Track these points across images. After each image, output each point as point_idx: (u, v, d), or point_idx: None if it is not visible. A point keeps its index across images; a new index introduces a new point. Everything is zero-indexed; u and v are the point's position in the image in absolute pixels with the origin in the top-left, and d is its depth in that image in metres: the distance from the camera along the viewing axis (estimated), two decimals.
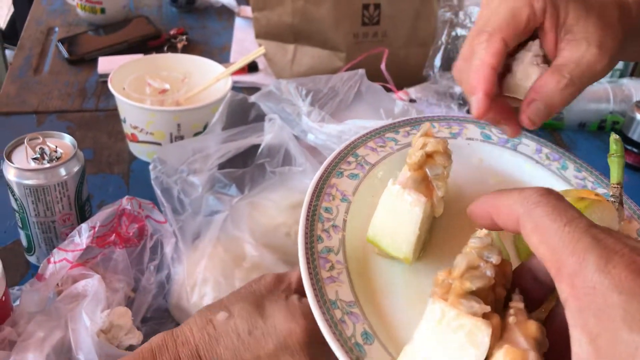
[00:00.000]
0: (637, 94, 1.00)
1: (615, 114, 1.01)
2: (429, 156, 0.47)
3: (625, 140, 0.94)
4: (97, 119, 0.95)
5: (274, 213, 0.69)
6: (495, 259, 0.35)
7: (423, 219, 0.44)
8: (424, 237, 0.47)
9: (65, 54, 1.09)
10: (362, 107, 0.83)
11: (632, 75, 1.09)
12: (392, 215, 0.45)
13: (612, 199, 0.51)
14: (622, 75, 1.07)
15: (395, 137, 0.58)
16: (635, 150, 0.94)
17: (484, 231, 0.37)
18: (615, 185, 0.52)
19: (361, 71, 0.82)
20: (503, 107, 0.49)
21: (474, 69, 0.45)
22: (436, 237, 0.50)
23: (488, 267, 0.34)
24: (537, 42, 0.47)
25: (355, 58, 0.98)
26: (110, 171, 0.84)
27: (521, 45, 0.48)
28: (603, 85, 1.02)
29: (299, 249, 0.45)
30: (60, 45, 1.12)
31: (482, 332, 0.31)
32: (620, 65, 1.05)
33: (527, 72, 0.47)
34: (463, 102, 0.93)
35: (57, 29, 1.20)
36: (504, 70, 0.48)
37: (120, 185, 0.82)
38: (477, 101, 0.45)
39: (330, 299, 0.42)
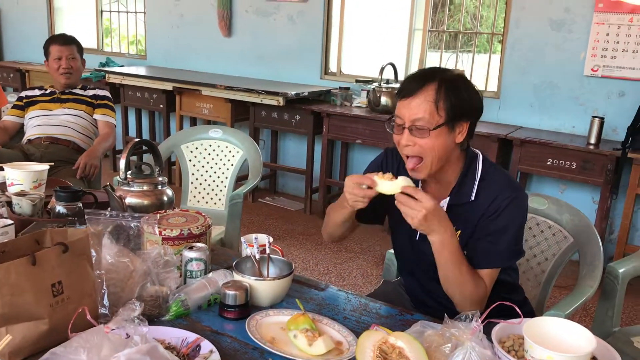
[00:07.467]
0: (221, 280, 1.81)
1: (215, 294, 1.78)
2: None
3: (225, 305, 1.71)
4: None
5: None
6: None
7: None
8: None
9: None
10: None
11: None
12: None
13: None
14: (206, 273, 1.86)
15: None
16: (231, 309, 1.71)
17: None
18: None
19: None
20: None
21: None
22: None
23: None
24: None
25: (58, 319, 1.47)
26: None
27: None
28: (201, 281, 1.79)
29: None
30: None
31: None
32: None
33: None
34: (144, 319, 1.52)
35: None
36: None
37: None
38: None
39: None
